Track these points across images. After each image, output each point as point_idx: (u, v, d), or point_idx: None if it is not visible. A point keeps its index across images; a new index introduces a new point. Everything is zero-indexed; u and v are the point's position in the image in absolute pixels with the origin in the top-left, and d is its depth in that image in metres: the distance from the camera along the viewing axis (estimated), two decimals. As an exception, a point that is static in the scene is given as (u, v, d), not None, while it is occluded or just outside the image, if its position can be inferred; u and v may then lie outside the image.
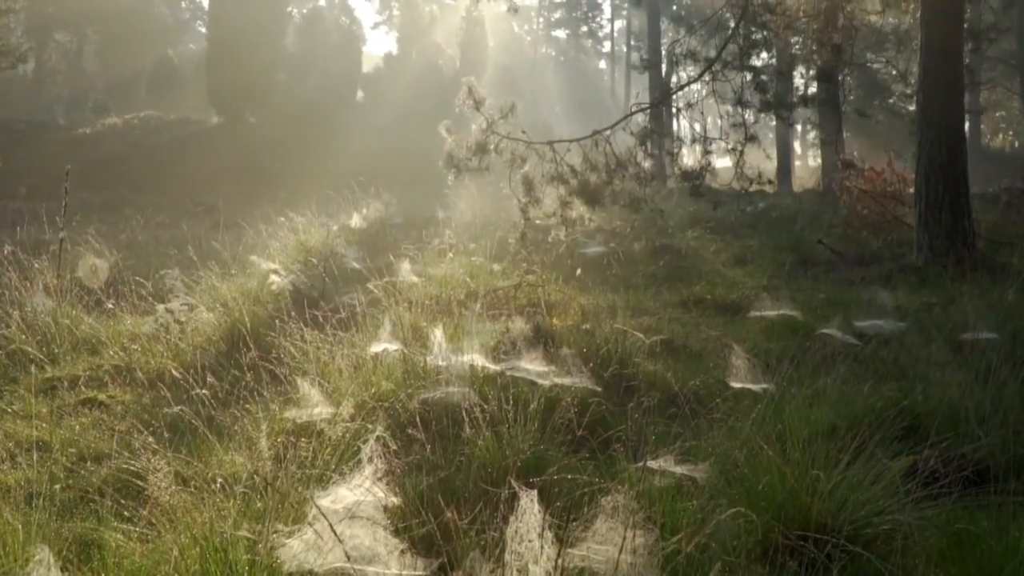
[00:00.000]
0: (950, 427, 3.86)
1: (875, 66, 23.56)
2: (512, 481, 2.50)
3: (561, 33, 68.20)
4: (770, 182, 11.20)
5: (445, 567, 2.59)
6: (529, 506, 2.23)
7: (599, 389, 4.45)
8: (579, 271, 8.88)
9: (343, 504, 2.70)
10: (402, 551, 2.48)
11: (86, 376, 5.41)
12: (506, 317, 6.49)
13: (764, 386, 4.28)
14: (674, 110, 11.39)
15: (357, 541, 2.48)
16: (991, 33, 16.27)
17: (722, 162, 11.12)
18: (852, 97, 22.26)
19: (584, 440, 3.74)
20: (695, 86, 11.44)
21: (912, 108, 18.76)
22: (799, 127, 31.50)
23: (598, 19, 64.94)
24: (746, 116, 10.40)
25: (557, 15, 66.18)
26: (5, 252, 7.08)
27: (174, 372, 4.39)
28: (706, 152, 10.42)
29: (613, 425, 3.99)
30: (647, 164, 10.20)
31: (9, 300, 6.37)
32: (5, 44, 22.09)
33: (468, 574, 2.33)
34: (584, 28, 65.58)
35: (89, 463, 3.93)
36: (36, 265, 7.15)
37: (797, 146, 47.45)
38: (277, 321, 5.38)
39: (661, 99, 12.72)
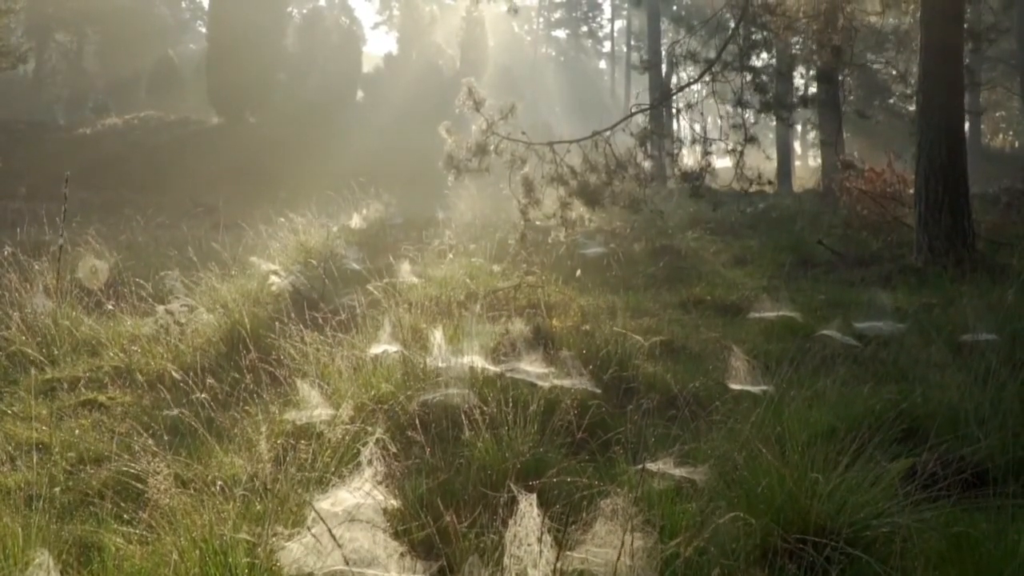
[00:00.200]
0: (949, 429, 3.86)
1: (875, 67, 23.54)
2: (511, 485, 2.50)
3: (561, 33, 68.31)
4: (770, 183, 11.20)
5: (444, 570, 2.59)
6: (528, 510, 2.24)
7: (599, 391, 4.45)
8: (579, 272, 8.89)
9: (343, 507, 2.70)
10: (401, 554, 2.48)
11: (86, 378, 5.41)
12: (506, 318, 6.49)
13: (763, 388, 4.28)
14: (674, 111, 11.39)
15: (357, 544, 2.48)
16: (991, 34, 16.26)
17: (722, 163, 11.12)
18: (852, 98, 22.25)
19: (584, 442, 3.74)
20: (695, 87, 11.45)
21: (912, 108, 18.76)
22: (799, 127, 31.49)
23: (598, 19, 65.03)
24: (746, 117, 10.40)
25: (557, 15, 66.22)
26: (5, 253, 7.08)
27: (174, 374, 4.39)
28: (706, 153, 10.41)
29: (613, 427, 4.00)
30: (647, 165, 10.20)
31: (9, 301, 6.37)
32: (5, 44, 22.10)
33: (467, 578, 2.33)
34: (584, 28, 65.61)
35: (89, 465, 3.93)
36: (36, 266, 7.15)
37: (797, 146, 47.47)
38: (277, 323, 5.39)
39: (661, 100, 12.72)
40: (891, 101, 27.76)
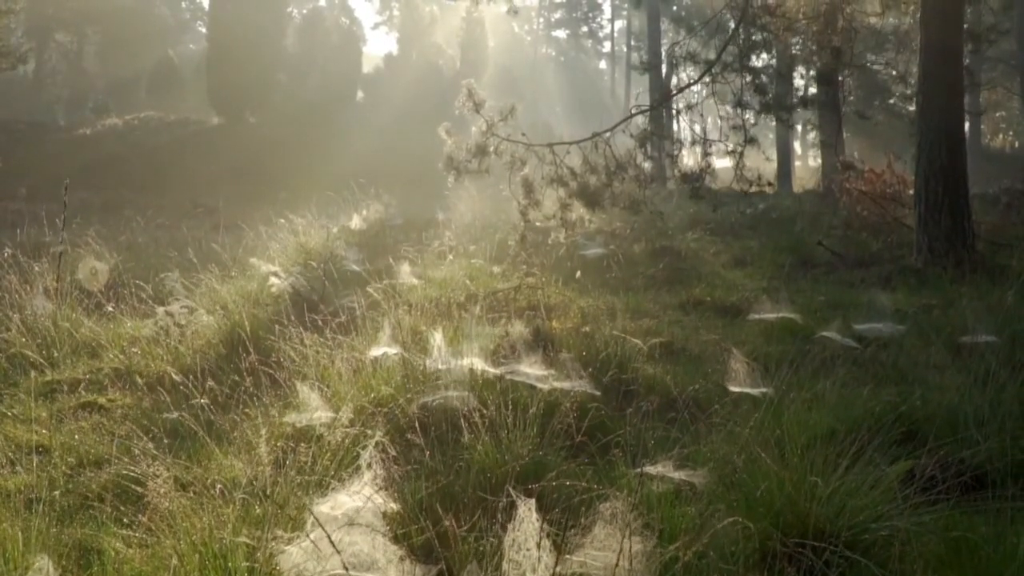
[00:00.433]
0: (949, 432, 3.86)
1: (875, 67, 23.54)
2: (511, 489, 2.50)
3: (561, 33, 68.30)
4: (770, 184, 11.19)
5: (444, 574, 2.59)
6: (527, 515, 2.24)
7: (598, 393, 4.45)
8: (579, 273, 8.90)
9: (342, 510, 2.70)
10: (401, 558, 2.48)
11: (86, 380, 5.42)
12: (506, 320, 6.49)
13: (763, 390, 4.28)
14: (674, 112, 11.37)
15: (356, 548, 2.48)
16: (991, 35, 16.26)
17: (722, 163, 11.12)
18: (852, 98, 22.25)
19: (583, 445, 3.74)
20: (695, 87, 11.44)
21: (912, 109, 18.74)
22: (799, 128, 31.47)
23: (598, 19, 65.04)
24: (746, 118, 10.39)
25: (557, 15, 66.22)
26: (5, 255, 7.08)
27: (174, 376, 4.39)
28: (706, 154, 10.41)
29: (612, 430, 4.00)
30: (647, 166, 10.20)
31: (9, 303, 6.38)
32: (5, 45, 22.12)
33: (466, 583, 2.33)
34: (584, 28, 65.63)
35: (89, 468, 3.93)
36: (36, 268, 7.16)
37: (797, 146, 47.45)
38: (277, 325, 5.39)
39: (661, 101, 12.73)
40: (891, 102, 27.75)
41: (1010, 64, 30.61)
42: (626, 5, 53.53)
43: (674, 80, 22.18)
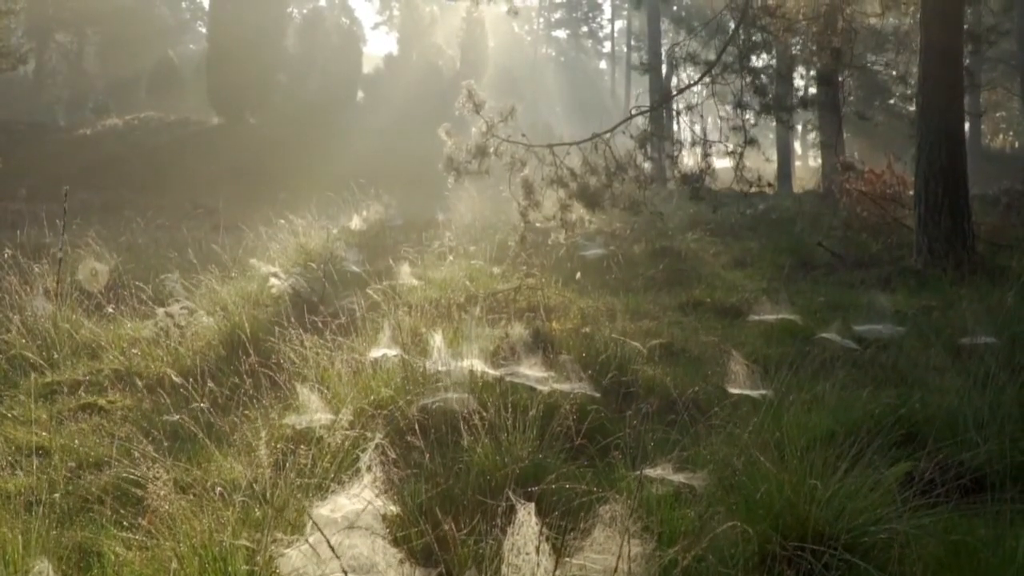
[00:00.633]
0: (948, 434, 3.87)
1: (875, 68, 23.55)
2: (510, 494, 2.50)
3: (562, 33, 68.31)
4: (770, 184, 11.19)
5: (443, 577, 2.59)
6: (526, 519, 2.24)
7: (598, 395, 4.46)
8: (579, 274, 8.89)
9: (342, 513, 2.71)
10: (400, 561, 2.48)
11: (86, 381, 5.42)
12: (506, 321, 6.50)
13: (763, 392, 4.28)
14: (674, 112, 11.37)
15: (356, 551, 2.49)
16: (991, 35, 16.26)
17: (722, 164, 11.12)
18: (852, 99, 22.24)
19: (583, 447, 3.75)
20: (695, 88, 11.43)
21: (912, 109, 18.74)
22: (799, 128, 31.49)
23: (598, 19, 65.05)
24: (746, 118, 10.39)
25: (557, 15, 66.22)
26: (6, 256, 7.09)
27: (174, 378, 4.40)
28: (706, 155, 10.41)
29: (612, 432, 4.00)
30: (647, 167, 10.20)
31: (9, 304, 6.38)
32: (5, 45, 22.11)
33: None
34: (584, 28, 65.64)
35: (89, 470, 3.93)
36: (36, 269, 7.16)
37: (798, 146, 47.43)
38: (276, 326, 5.39)
39: (661, 102, 12.72)
40: (891, 102, 27.77)
41: (1010, 64, 30.61)
42: (626, 5, 53.57)
43: (674, 81, 22.21)
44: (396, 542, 2.66)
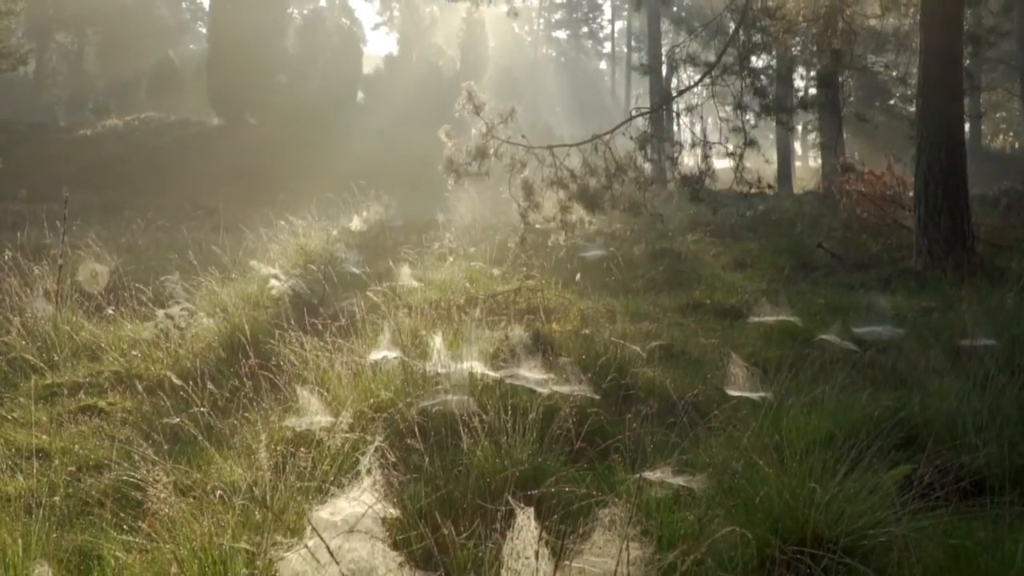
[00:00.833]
0: (947, 437, 3.87)
1: (875, 69, 23.56)
2: (509, 498, 2.50)
3: (562, 34, 68.39)
4: (770, 186, 11.21)
5: (443, 581, 2.60)
6: (525, 523, 2.24)
7: (597, 397, 4.45)
8: (579, 275, 8.89)
9: (341, 516, 2.70)
10: (400, 565, 2.48)
11: (86, 383, 5.42)
12: (506, 323, 6.50)
13: (762, 394, 4.28)
14: (674, 113, 11.38)
15: (355, 555, 2.48)
16: (991, 37, 16.27)
17: (722, 165, 11.13)
18: (852, 100, 22.26)
19: (582, 450, 3.75)
20: (695, 89, 11.44)
21: (912, 110, 18.75)
22: (800, 129, 31.51)
23: (599, 20, 65.15)
24: (746, 120, 10.40)
25: (558, 16, 66.29)
26: (6, 257, 7.09)
27: (174, 380, 4.40)
28: (706, 156, 10.42)
29: (612, 434, 4.00)
30: (647, 168, 10.21)
31: (9, 306, 6.38)
32: (6, 46, 22.10)
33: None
34: (585, 29, 65.71)
35: (89, 473, 3.94)
36: (36, 270, 7.16)
37: (798, 147, 47.43)
38: (276, 328, 5.40)
39: (661, 103, 12.73)
40: (891, 103, 27.78)
41: (1010, 65, 30.62)
42: (626, 6, 53.55)
43: (674, 82, 22.25)
44: (396, 546, 2.66)
